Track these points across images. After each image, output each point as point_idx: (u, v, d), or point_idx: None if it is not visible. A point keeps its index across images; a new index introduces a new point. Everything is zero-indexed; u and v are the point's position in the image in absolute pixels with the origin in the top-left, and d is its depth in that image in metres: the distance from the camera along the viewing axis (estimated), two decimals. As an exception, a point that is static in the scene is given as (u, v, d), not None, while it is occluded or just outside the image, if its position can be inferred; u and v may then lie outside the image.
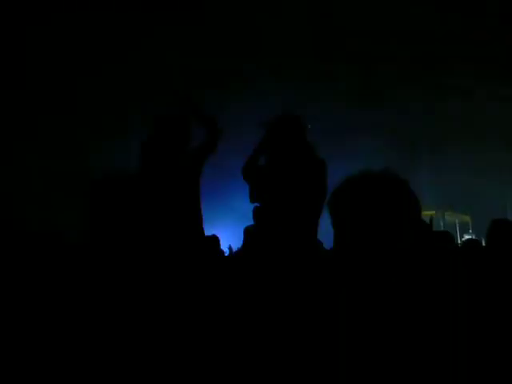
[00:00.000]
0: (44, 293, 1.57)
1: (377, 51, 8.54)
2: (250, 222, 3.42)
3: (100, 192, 1.65)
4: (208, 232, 3.52)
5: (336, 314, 1.27)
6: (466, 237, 10.48)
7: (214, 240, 4.63)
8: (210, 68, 8.41)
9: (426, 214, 10.60)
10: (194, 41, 8.11)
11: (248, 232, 3.78)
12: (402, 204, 1.31)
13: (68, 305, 1.53)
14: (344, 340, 1.23)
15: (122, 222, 1.62)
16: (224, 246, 5.83)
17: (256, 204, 3.06)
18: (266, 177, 2.93)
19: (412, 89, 9.32)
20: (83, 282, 1.57)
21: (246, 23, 8.01)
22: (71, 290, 1.56)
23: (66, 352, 1.44)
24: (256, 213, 3.21)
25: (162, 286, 1.69)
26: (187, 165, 3.14)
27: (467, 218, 11.11)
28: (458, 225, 11.25)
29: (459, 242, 10.66)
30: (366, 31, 8.32)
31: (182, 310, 1.64)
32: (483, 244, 4.32)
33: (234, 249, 6.43)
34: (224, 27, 7.99)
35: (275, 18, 7.99)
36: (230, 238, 7.06)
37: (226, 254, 5.85)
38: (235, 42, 8.18)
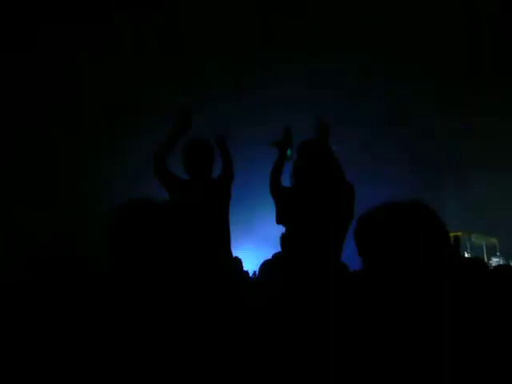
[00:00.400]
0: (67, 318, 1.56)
1: (403, 74, 8.51)
2: (270, 244, 3.42)
3: (126, 218, 1.63)
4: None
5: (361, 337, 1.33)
6: (494, 259, 10.28)
7: (238, 262, 4.64)
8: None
9: (453, 234, 10.41)
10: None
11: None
12: (429, 235, 1.35)
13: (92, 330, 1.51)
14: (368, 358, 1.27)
15: (149, 250, 1.60)
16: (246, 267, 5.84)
17: (282, 228, 3.05)
18: (295, 200, 2.92)
19: (437, 113, 9.26)
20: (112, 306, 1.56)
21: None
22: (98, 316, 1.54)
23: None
24: (284, 241, 3.19)
25: (190, 309, 1.68)
26: (219, 191, 3.25)
27: (494, 241, 10.89)
28: (485, 247, 11.03)
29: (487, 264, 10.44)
30: (391, 54, 8.33)
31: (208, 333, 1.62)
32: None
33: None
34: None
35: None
36: (251, 260, 7.04)
37: (251, 275, 5.86)
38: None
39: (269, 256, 3.83)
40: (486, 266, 3.31)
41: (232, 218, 3.31)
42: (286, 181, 3.12)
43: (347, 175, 3.08)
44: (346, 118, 9.29)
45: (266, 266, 3.76)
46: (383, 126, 9.56)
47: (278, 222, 2.98)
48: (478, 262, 3.29)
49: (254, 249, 8.36)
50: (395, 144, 9.81)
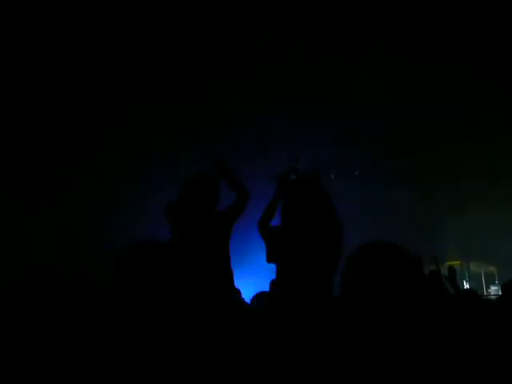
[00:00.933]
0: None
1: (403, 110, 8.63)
2: (268, 273, 3.42)
3: (128, 260, 1.70)
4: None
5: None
6: (493, 288, 10.30)
7: (237, 293, 4.66)
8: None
9: (452, 263, 10.46)
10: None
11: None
12: (406, 279, 1.47)
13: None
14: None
15: (151, 288, 1.68)
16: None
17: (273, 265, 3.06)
18: (285, 239, 2.90)
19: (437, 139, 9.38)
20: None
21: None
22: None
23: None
24: (272, 285, 3.23)
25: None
26: (218, 227, 3.24)
27: (493, 269, 10.94)
28: (483, 275, 11.07)
29: (485, 293, 10.47)
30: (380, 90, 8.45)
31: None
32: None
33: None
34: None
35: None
36: (248, 289, 7.04)
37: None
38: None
39: (266, 285, 3.89)
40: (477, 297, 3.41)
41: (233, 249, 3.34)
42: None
43: (345, 207, 3.07)
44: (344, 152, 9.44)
45: (259, 297, 3.80)
46: (383, 157, 9.68)
47: (268, 260, 2.98)
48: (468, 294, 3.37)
49: (251, 277, 8.30)
50: (394, 172, 9.92)
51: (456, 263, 10.63)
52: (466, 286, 10.16)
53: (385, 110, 8.48)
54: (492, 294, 10.08)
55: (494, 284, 10.59)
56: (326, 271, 2.73)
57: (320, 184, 3.02)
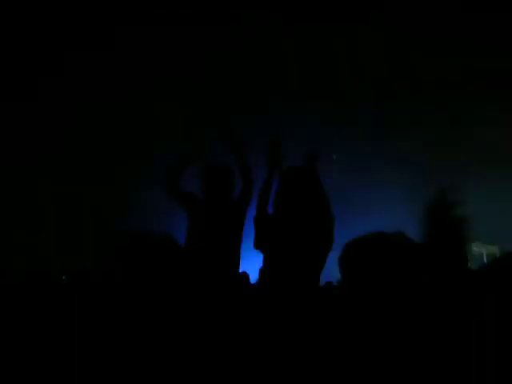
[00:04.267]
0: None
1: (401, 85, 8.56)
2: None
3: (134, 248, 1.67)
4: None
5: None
6: (495, 268, 10.27)
7: (246, 278, 4.62)
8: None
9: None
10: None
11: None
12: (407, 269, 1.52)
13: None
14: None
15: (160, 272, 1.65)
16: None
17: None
18: (273, 227, 2.88)
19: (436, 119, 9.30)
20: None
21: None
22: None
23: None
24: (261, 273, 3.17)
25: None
26: (234, 215, 3.33)
27: (495, 249, 10.88)
28: (485, 256, 11.03)
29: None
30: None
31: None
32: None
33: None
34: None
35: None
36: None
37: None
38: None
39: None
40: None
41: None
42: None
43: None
44: (342, 131, 9.36)
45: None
46: (383, 138, 9.60)
47: (255, 247, 2.97)
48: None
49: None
50: (395, 153, 9.85)
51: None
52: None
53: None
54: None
55: (496, 264, 10.55)
56: (310, 265, 2.71)
57: (316, 174, 2.96)
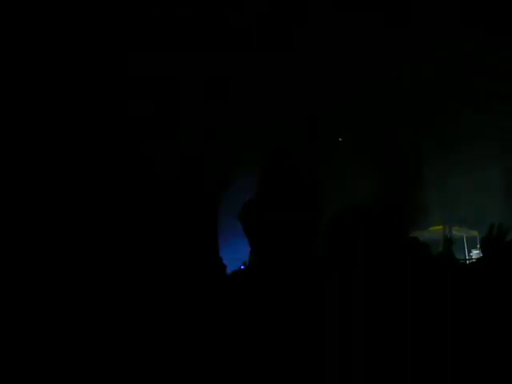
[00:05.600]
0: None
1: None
2: None
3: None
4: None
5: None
6: (474, 252, 10.45)
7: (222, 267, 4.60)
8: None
9: (434, 229, 10.55)
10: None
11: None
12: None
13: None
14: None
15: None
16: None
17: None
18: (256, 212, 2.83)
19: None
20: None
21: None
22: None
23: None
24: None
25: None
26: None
27: (475, 233, 11.07)
28: (465, 240, 11.21)
29: (467, 257, 10.61)
30: None
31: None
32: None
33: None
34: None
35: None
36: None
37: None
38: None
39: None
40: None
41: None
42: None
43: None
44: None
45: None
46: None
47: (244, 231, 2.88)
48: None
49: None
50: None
51: (438, 228, 10.69)
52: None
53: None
54: (474, 257, 10.22)
55: (475, 248, 10.73)
56: (299, 234, 2.65)
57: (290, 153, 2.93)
